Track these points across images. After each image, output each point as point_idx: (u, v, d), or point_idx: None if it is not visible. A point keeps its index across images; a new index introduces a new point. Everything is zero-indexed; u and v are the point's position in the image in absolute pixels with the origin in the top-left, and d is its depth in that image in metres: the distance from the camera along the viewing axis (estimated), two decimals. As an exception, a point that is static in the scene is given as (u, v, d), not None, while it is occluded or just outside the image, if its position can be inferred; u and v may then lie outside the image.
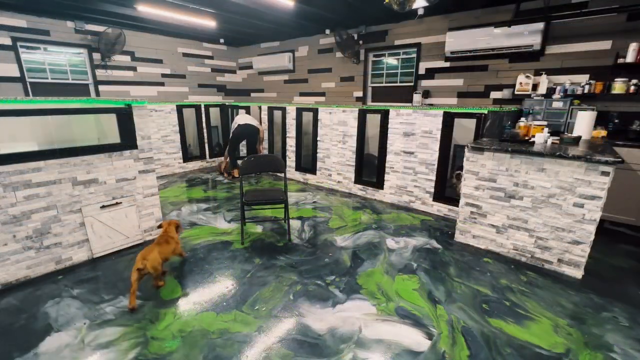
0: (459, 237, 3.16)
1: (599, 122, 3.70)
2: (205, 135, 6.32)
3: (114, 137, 2.77)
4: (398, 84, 5.66)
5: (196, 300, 2.21)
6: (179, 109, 5.82)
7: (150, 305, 2.14)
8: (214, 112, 6.47)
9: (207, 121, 6.28)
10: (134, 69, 6.41)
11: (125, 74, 6.31)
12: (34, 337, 1.85)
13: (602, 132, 3.58)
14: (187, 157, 6.09)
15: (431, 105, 5.14)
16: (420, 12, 4.01)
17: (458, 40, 4.53)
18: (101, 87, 6.03)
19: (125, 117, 2.78)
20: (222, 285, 2.38)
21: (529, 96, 4.16)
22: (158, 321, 2.00)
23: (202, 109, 6.19)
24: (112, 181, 2.78)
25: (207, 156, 6.45)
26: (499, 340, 1.86)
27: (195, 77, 7.44)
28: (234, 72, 8.26)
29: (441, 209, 3.86)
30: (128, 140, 2.82)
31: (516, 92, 4.27)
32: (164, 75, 6.88)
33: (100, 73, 5.99)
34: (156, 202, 3.13)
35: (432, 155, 3.80)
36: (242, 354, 1.74)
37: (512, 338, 1.88)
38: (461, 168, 3.22)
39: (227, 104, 6.58)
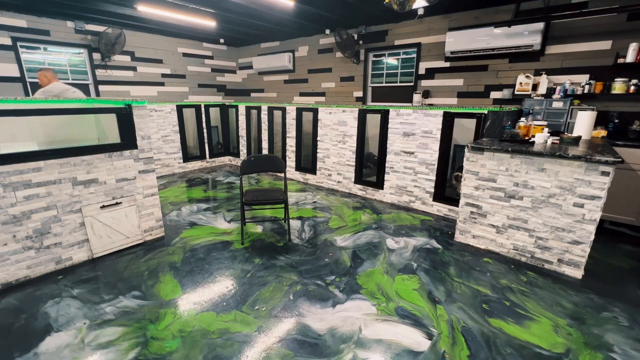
0: (459, 237, 3.16)
1: (599, 122, 3.70)
2: (205, 135, 6.32)
3: (114, 137, 2.77)
4: (398, 84, 5.66)
5: (196, 300, 2.20)
6: (179, 109, 5.82)
7: (150, 305, 2.14)
8: (214, 112, 6.47)
9: (207, 121, 6.28)
10: (134, 69, 6.41)
11: (125, 74, 6.31)
12: (34, 337, 1.85)
13: (602, 132, 3.58)
14: (187, 157, 6.09)
15: (431, 105, 5.14)
16: (420, 12, 4.02)
17: (458, 40, 4.53)
18: (101, 87, 6.03)
19: (125, 117, 2.78)
20: (222, 285, 2.38)
21: (529, 96, 4.16)
22: (158, 321, 2.00)
23: (202, 109, 6.19)
24: (112, 181, 2.78)
25: (207, 156, 6.45)
26: (499, 340, 1.86)
27: (195, 77, 7.44)
28: (234, 72, 8.26)
29: (441, 209, 3.86)
30: (128, 140, 2.82)
31: (516, 92, 4.27)
32: (164, 75, 6.88)
33: (100, 73, 5.99)
34: (156, 202, 3.13)
35: (432, 155, 3.80)
36: (242, 354, 1.74)
37: (512, 338, 1.88)
38: (461, 169, 3.22)
39: (227, 104, 6.59)
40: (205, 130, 6.29)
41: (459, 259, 2.81)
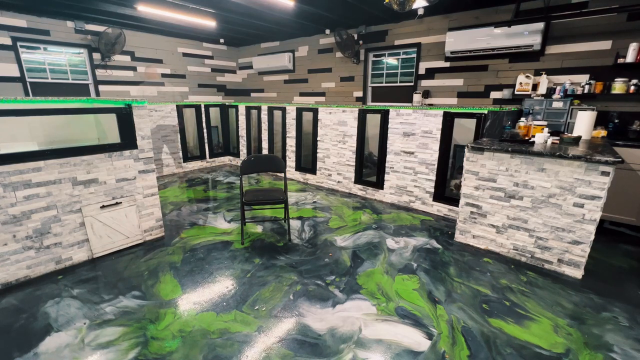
0: (459, 237, 3.16)
1: (599, 122, 3.70)
2: (205, 135, 6.32)
3: (114, 137, 2.77)
4: (398, 84, 5.66)
5: (196, 300, 2.21)
6: (179, 109, 5.82)
7: (150, 305, 2.14)
8: (214, 112, 6.47)
9: (207, 121, 6.29)
10: (134, 69, 6.41)
11: (125, 73, 6.31)
12: (34, 337, 1.85)
13: (602, 132, 3.58)
14: (187, 157, 6.09)
15: (431, 105, 5.14)
16: (420, 12, 4.02)
17: (458, 40, 4.53)
18: (101, 87, 6.03)
19: (125, 117, 2.78)
20: (222, 285, 2.38)
21: (529, 96, 4.16)
22: (158, 321, 2.00)
23: (202, 109, 6.19)
24: (112, 181, 2.78)
25: (207, 156, 6.45)
26: (499, 340, 1.86)
27: (195, 77, 7.44)
28: (234, 72, 8.26)
29: (441, 209, 3.86)
30: (128, 140, 2.82)
31: (516, 92, 4.27)
32: (164, 75, 6.88)
33: (100, 73, 5.98)
34: (156, 202, 3.13)
35: (432, 155, 3.80)
36: (242, 354, 1.74)
37: (512, 338, 1.88)
38: (461, 169, 3.22)
39: (227, 104, 6.59)
40: (205, 130, 6.29)
41: (459, 259, 2.81)
